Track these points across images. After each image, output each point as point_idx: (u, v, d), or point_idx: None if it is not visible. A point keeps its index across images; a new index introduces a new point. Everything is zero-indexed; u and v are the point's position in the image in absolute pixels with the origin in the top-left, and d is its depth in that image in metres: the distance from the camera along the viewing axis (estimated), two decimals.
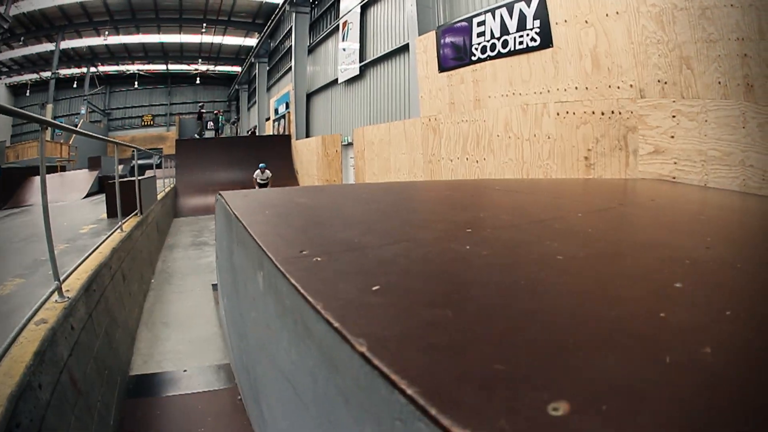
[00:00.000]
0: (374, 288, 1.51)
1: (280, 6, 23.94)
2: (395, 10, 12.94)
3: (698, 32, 6.10)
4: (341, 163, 15.55)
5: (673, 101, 6.03)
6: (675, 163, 5.93)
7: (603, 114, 6.54)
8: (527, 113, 7.41)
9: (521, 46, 7.61)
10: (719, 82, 5.87)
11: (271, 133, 26.49)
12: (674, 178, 5.90)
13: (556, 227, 2.76)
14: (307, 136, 20.24)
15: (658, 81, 6.22)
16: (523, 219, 3.16)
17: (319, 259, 1.89)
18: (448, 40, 8.97)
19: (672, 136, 5.98)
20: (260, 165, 15.61)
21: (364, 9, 14.75)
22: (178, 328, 6.41)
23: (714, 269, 1.96)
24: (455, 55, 8.76)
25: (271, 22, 27.12)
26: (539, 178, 7.19)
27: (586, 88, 6.78)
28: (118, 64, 40.99)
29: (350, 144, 14.31)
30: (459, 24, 8.85)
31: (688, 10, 6.16)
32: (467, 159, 8.38)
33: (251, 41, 34.99)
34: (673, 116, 6.01)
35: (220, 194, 3.93)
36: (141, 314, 6.69)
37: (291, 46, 21.62)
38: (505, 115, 7.74)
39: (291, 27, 21.35)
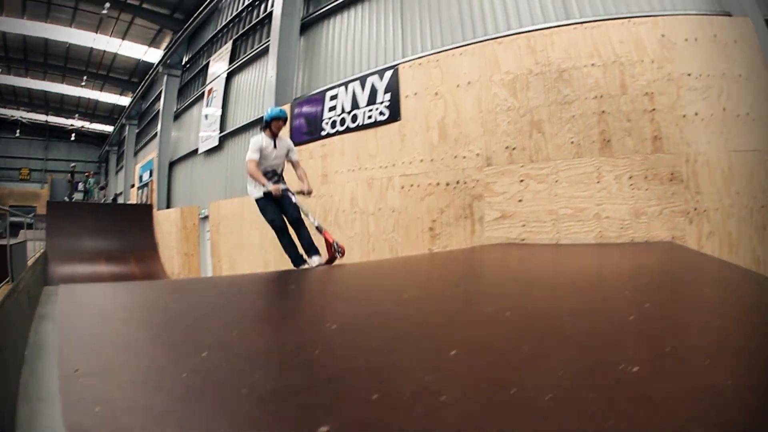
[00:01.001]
0: None
1: (154, 66, 23.05)
2: (258, 80, 12.55)
3: (553, 95, 6.23)
4: (198, 236, 14.61)
5: (522, 166, 6.11)
6: (524, 225, 5.97)
7: (448, 184, 6.47)
8: (372, 188, 7.19)
9: (370, 120, 7.45)
10: (572, 142, 6.05)
11: (135, 202, 24.86)
12: (523, 240, 5.93)
13: None
14: (168, 206, 19.01)
15: (506, 147, 6.25)
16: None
17: None
18: (301, 113, 8.65)
19: (520, 200, 6.03)
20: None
21: (230, 77, 14.23)
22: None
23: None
24: (307, 129, 8.43)
25: (145, 82, 25.96)
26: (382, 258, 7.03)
27: (432, 159, 6.67)
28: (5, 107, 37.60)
29: (207, 217, 13.45)
30: (313, 97, 8.60)
31: (545, 75, 6.30)
32: (315, 234, 7.88)
33: (125, 100, 33.30)
34: (521, 180, 6.08)
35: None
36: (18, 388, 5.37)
37: (159, 110, 20.64)
38: (351, 190, 7.46)
39: (161, 90, 20.46)
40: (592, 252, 5.50)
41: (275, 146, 5.40)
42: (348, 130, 7.70)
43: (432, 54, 7.39)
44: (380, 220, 7.02)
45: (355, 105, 7.69)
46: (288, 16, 10.20)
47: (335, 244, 5.22)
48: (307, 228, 5.31)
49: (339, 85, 8.20)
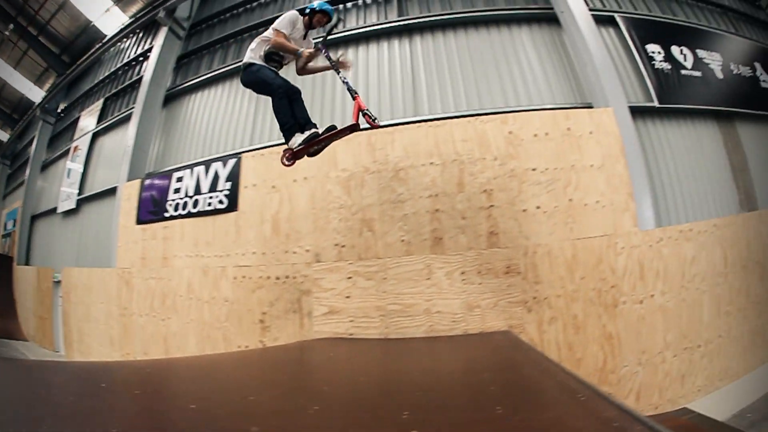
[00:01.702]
0: None
1: (34, 107, 21.55)
2: (119, 146, 11.60)
3: (387, 194, 6.31)
4: (52, 300, 13.61)
5: (350, 263, 6.13)
6: (351, 321, 6.03)
7: (278, 278, 6.43)
8: (208, 275, 6.99)
9: (209, 207, 7.33)
10: (402, 240, 6.15)
11: None
12: (351, 334, 5.98)
13: None
14: (27, 262, 17.69)
15: (336, 244, 6.27)
16: None
17: None
18: (151, 189, 8.33)
19: (348, 297, 6.10)
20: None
21: (96, 136, 13.39)
22: None
23: None
24: (152, 209, 8.10)
25: (23, 122, 24.16)
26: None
27: (263, 253, 6.64)
28: None
29: (59, 282, 12.58)
30: (162, 175, 8.35)
31: (381, 173, 6.39)
32: (155, 316, 7.59)
33: (3, 135, 31.04)
34: (349, 277, 6.09)
35: None
36: None
37: (30, 156, 19.32)
38: (188, 275, 7.20)
39: (35, 134, 19.09)
40: (405, 348, 5.48)
41: (305, 38, 5.13)
42: (189, 215, 7.49)
43: (275, 145, 7.41)
44: (214, 309, 6.83)
45: (198, 190, 7.54)
46: (156, 84, 9.92)
47: (368, 111, 4.82)
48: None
49: (186, 167, 8.04)
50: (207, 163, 7.66)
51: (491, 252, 6.11)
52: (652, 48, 8.98)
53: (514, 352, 5.07)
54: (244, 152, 7.53)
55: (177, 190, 7.84)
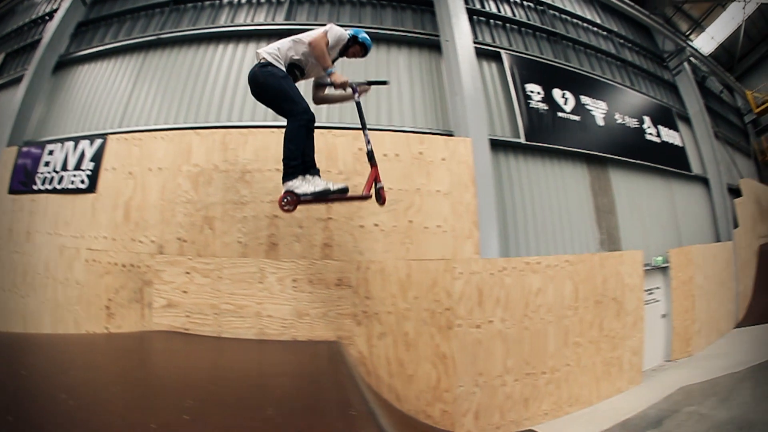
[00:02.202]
0: None
1: None
2: (9, 108, 10.77)
3: (231, 194, 6.31)
4: None
5: (189, 258, 6.13)
6: (187, 316, 6.00)
7: (124, 266, 6.38)
8: (63, 256, 6.93)
9: (72, 186, 7.19)
10: (239, 241, 6.18)
11: None
12: (187, 329, 5.96)
13: None
14: None
15: (178, 238, 6.28)
16: None
17: None
18: (24, 160, 8.12)
19: (185, 291, 6.09)
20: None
21: None
22: None
23: None
24: (23, 179, 7.91)
25: None
26: None
27: (114, 239, 6.58)
28: None
29: None
30: (36, 146, 8.15)
31: (229, 173, 6.39)
32: (16, 292, 7.44)
33: None
34: (187, 273, 6.10)
35: None
36: None
37: None
38: (46, 254, 7.14)
39: None
40: (228, 347, 5.58)
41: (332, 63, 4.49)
42: (54, 191, 7.37)
43: (140, 131, 7.39)
44: (68, 291, 6.78)
45: (64, 166, 7.40)
46: (52, 48, 9.66)
47: (378, 185, 4.57)
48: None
49: (58, 141, 7.87)
50: (77, 140, 7.52)
51: (324, 263, 6.20)
52: (532, 88, 9.27)
53: (325, 363, 5.23)
54: (111, 134, 7.39)
55: (47, 164, 7.70)
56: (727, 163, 17.18)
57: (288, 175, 4.30)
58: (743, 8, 21.14)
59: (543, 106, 9.29)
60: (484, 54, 9.07)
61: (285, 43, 4.42)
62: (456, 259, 6.56)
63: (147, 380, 3.90)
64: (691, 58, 15.97)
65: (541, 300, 7.08)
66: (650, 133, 12.14)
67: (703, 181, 14.35)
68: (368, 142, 4.57)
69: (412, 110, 8.09)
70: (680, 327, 11.25)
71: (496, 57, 9.22)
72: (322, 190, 4.33)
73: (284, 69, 4.35)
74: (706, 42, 22.77)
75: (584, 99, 10.33)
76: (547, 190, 8.92)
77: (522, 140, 8.59)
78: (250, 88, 4.48)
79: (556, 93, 9.76)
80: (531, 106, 9.05)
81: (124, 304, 6.31)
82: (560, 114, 9.59)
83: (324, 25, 4.75)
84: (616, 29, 13.37)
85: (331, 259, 6.27)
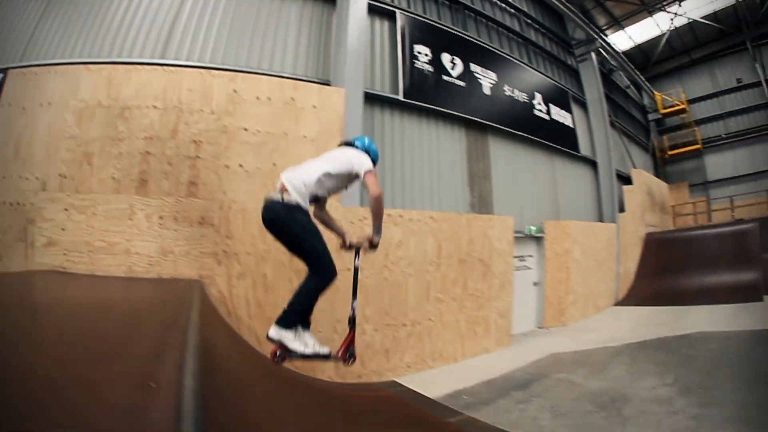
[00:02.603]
0: None
1: None
2: None
3: (110, 130, 6.37)
4: None
5: (68, 195, 6.21)
6: (65, 254, 6.06)
7: (11, 204, 6.46)
8: None
9: None
10: (113, 178, 6.25)
11: None
12: (64, 268, 6.00)
13: None
14: None
15: (60, 174, 6.36)
16: None
17: None
18: None
19: (63, 229, 6.14)
20: None
21: None
22: None
23: None
24: None
25: None
26: None
27: (4, 176, 6.63)
28: None
29: None
30: None
31: (110, 109, 6.43)
32: None
33: None
34: (66, 209, 6.18)
35: None
36: None
37: None
38: None
39: None
40: (92, 285, 5.52)
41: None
42: None
43: (38, 65, 7.31)
44: None
45: None
46: None
47: (353, 351, 4.30)
48: None
49: None
50: None
51: (189, 201, 6.27)
52: (420, 49, 9.43)
53: (171, 305, 4.95)
54: (13, 68, 7.32)
55: None
56: (621, 151, 18.54)
57: (285, 323, 3.82)
58: (672, 20, 22.39)
59: (428, 68, 9.42)
60: (379, 12, 9.11)
61: (313, 176, 3.90)
62: None
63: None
64: (601, 50, 16.78)
65: (401, 253, 7.09)
66: (540, 110, 12.77)
67: (591, 163, 15.25)
68: (354, 309, 4.38)
69: (294, 58, 8.12)
70: (553, 297, 11.43)
71: (390, 16, 9.25)
72: (311, 354, 3.89)
73: (308, 210, 3.87)
74: (622, 40, 23.72)
75: (474, 67, 10.50)
76: (420, 149, 9.00)
77: (400, 97, 8.66)
78: (266, 221, 3.91)
79: (445, 57, 9.89)
80: (416, 66, 9.17)
81: (11, 244, 6.41)
82: (445, 77, 9.74)
83: None
84: (525, 9, 13.89)
85: (196, 198, 6.31)
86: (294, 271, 6.32)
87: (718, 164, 24.92)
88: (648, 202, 18.83)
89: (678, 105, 24.08)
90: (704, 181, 25.17)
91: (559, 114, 13.51)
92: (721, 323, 10.35)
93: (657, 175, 23.75)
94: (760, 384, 6.34)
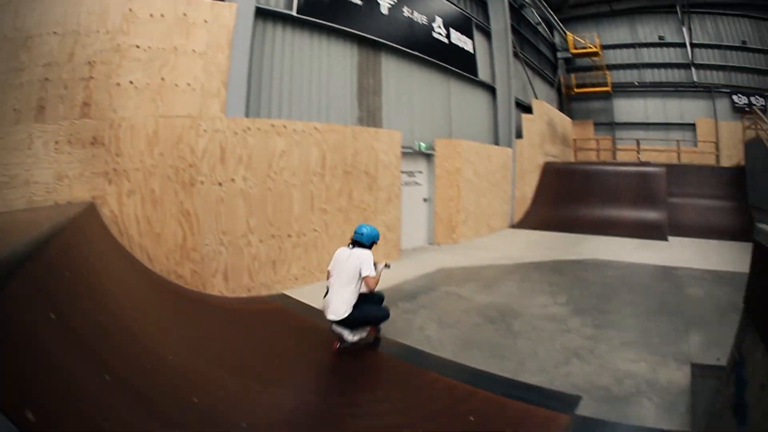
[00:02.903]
0: None
1: None
2: None
3: (13, 62, 6.36)
4: None
5: None
6: None
7: None
8: None
9: None
10: (15, 109, 6.24)
11: None
12: None
13: None
14: None
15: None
16: None
17: None
18: None
19: None
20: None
21: None
22: None
23: None
24: None
25: None
26: None
27: None
28: None
29: None
30: None
31: (14, 41, 6.43)
32: None
33: None
34: None
35: None
36: None
37: None
38: None
39: None
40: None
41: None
42: None
43: None
44: None
45: None
46: None
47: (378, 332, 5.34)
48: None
49: None
50: None
51: (82, 122, 6.25)
52: None
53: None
54: None
55: None
56: (523, 82, 18.74)
57: (349, 325, 4.91)
58: None
59: None
60: None
61: (347, 294, 4.93)
62: (201, 117, 6.52)
63: None
64: None
65: (285, 163, 7.04)
66: (439, 33, 12.79)
67: (491, 89, 15.52)
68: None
69: None
70: (444, 214, 11.43)
71: None
72: (358, 340, 5.03)
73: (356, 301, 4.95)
74: None
75: None
76: (309, 63, 8.92)
77: (294, 13, 8.58)
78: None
79: None
80: None
81: None
82: None
83: None
84: None
85: (89, 118, 6.28)
86: (180, 184, 6.31)
87: (627, 109, 26.19)
88: (548, 132, 19.13)
89: (590, 48, 24.65)
90: (611, 121, 25.95)
91: (459, 39, 13.73)
92: (621, 255, 10.68)
93: (561, 109, 24.13)
94: (661, 314, 6.42)
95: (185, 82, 6.80)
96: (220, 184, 6.53)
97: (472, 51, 14.32)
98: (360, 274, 4.90)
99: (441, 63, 12.76)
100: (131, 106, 6.51)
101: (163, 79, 6.67)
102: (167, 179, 6.34)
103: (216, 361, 4.28)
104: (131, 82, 6.57)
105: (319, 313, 5.76)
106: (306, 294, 6.86)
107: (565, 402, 4.04)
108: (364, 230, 5.13)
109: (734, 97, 23.51)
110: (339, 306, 4.85)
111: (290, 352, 5.01)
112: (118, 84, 6.54)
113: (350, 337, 4.96)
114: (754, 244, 3.13)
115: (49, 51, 6.51)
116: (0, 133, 6.22)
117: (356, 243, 5.10)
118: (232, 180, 6.66)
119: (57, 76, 6.46)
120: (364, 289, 4.98)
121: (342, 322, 4.89)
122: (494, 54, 15.60)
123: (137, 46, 6.67)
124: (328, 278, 5.10)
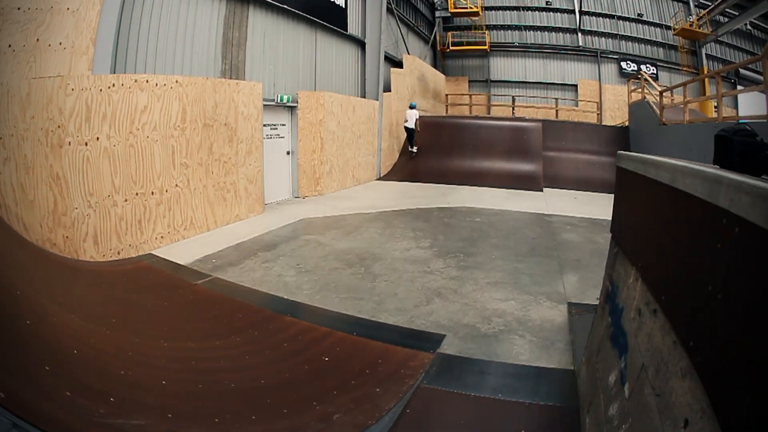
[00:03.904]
0: None
1: None
2: None
3: None
4: None
5: None
6: None
7: None
8: None
9: None
10: None
11: None
12: None
13: None
14: None
15: None
16: None
17: None
18: None
19: None
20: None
21: None
22: None
23: None
24: None
25: None
26: None
27: None
28: None
29: None
30: None
31: None
32: None
33: None
34: None
35: None
36: None
37: None
38: None
39: None
40: None
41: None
42: None
43: None
44: None
45: None
46: None
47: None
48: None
49: None
50: None
51: None
52: None
53: None
54: None
55: None
56: (396, 37, 19.39)
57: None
58: None
59: None
60: None
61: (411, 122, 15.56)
62: (70, 76, 6.43)
63: None
64: None
65: (146, 118, 7.10)
66: None
67: (360, 43, 15.87)
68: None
69: None
70: (307, 166, 11.89)
71: None
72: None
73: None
74: None
75: None
76: (177, 17, 8.86)
77: None
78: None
79: None
80: None
81: None
82: None
83: None
84: None
85: None
86: (49, 146, 6.19)
87: (505, 68, 27.52)
88: (419, 87, 19.90)
89: (471, 8, 25.44)
90: (486, 79, 27.31)
91: None
92: (490, 202, 11.00)
93: (435, 66, 25.12)
94: (533, 256, 6.57)
95: (57, 41, 6.72)
96: (86, 144, 6.41)
97: (343, 5, 14.40)
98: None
99: (309, 16, 12.90)
100: (8, 70, 6.41)
101: (37, 40, 6.58)
102: (38, 143, 6.18)
103: (90, 318, 4.27)
104: (9, 46, 6.46)
105: (184, 270, 6.20)
106: (172, 252, 7.03)
107: (427, 340, 4.12)
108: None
109: (623, 64, 25.34)
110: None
111: (150, 305, 5.07)
112: None
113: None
114: (617, 169, 3.31)
115: None
116: None
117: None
118: (97, 139, 6.56)
119: None
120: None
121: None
122: (366, 9, 15.83)
123: (18, 8, 6.53)
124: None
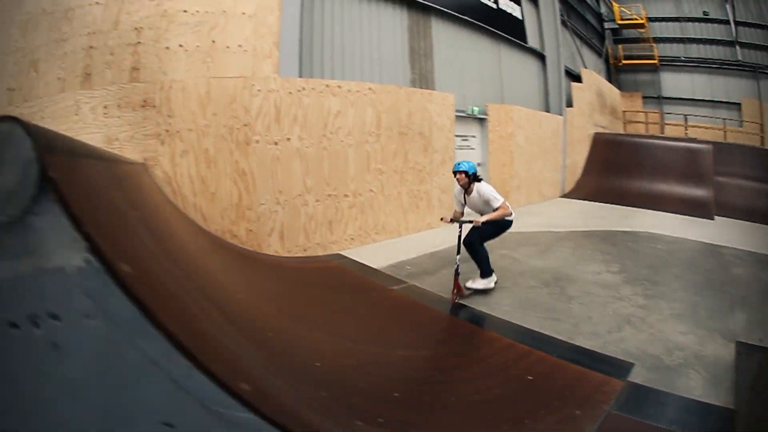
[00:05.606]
0: None
1: None
2: None
3: (54, 33, 6.36)
4: None
5: (17, 107, 6.23)
6: None
7: None
8: None
9: None
10: (59, 78, 6.26)
11: None
12: None
13: None
14: None
15: (9, 89, 6.39)
16: None
17: None
18: None
19: None
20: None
21: None
22: None
23: None
24: None
25: None
26: None
27: None
28: None
29: None
30: None
31: (54, 14, 6.42)
32: None
33: None
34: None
35: None
36: None
37: None
38: None
39: None
40: None
41: (464, 199, 5.76)
42: None
43: None
44: None
45: None
46: None
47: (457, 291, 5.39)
48: (474, 253, 5.69)
49: None
50: None
51: (132, 86, 6.17)
52: None
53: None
54: None
55: None
56: (572, 51, 18.45)
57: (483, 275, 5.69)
58: None
59: None
60: None
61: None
62: (254, 77, 6.48)
63: None
64: None
65: (340, 122, 7.02)
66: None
67: (540, 56, 15.16)
68: (458, 263, 5.47)
69: None
70: (497, 179, 11.42)
71: None
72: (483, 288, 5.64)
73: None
74: None
75: None
76: (360, 24, 8.73)
77: None
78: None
79: None
80: None
81: None
82: None
83: None
84: None
85: (138, 82, 6.19)
86: (234, 143, 6.26)
87: (674, 83, 25.22)
88: (597, 102, 18.78)
89: (636, 19, 23.82)
90: (659, 95, 25.29)
91: (507, 5, 13.44)
92: (669, 229, 10.37)
93: (609, 80, 23.59)
94: (708, 290, 6.32)
95: (236, 44, 6.69)
96: (275, 144, 6.46)
97: (520, 17, 13.95)
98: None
99: (490, 28, 12.46)
100: (182, 68, 6.40)
101: (213, 41, 6.57)
102: (221, 139, 6.26)
103: (280, 310, 4.43)
104: (181, 45, 6.45)
105: (378, 274, 5.95)
106: (362, 254, 6.92)
107: (619, 368, 4.09)
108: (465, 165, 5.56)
109: None
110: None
111: (350, 307, 5.06)
112: (167, 48, 6.41)
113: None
114: None
115: (92, 21, 6.42)
116: (46, 102, 6.23)
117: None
118: (288, 139, 6.60)
119: (102, 44, 6.37)
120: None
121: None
122: (542, 21, 15.22)
123: (185, 11, 6.55)
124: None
